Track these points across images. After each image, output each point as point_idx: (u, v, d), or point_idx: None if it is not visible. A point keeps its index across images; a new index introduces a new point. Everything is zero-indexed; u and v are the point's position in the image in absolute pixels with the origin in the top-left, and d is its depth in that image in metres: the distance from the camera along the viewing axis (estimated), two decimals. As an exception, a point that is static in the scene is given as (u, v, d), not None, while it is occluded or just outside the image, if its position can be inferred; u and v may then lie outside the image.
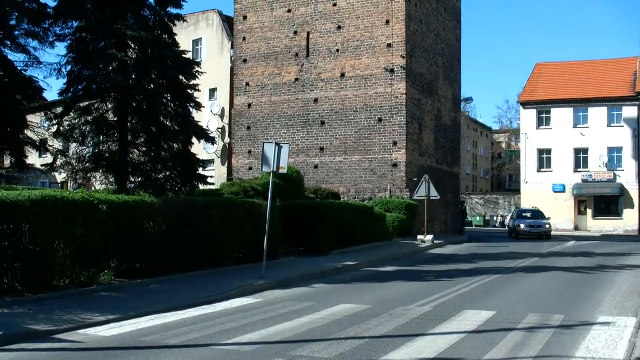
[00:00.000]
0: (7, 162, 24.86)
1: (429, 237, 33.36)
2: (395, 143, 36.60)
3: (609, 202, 62.49)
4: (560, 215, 61.83)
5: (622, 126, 61.96)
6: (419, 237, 33.71)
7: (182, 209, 20.88)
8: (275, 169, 21.20)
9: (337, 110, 37.91)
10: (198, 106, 27.01)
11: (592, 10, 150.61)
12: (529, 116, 65.94)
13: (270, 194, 21.20)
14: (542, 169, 64.74)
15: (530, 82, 68.47)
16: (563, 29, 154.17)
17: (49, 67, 24.05)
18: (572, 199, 63.41)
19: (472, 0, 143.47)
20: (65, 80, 24.78)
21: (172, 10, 26.48)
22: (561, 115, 63.88)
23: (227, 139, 45.77)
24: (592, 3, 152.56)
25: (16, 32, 23.24)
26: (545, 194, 63.39)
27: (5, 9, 22.85)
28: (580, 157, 63.61)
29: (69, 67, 24.76)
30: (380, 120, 36.93)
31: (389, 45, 36.89)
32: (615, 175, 62.18)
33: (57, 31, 24.32)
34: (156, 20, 26.24)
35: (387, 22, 36.98)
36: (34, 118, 25.75)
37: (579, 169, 63.29)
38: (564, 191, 63.50)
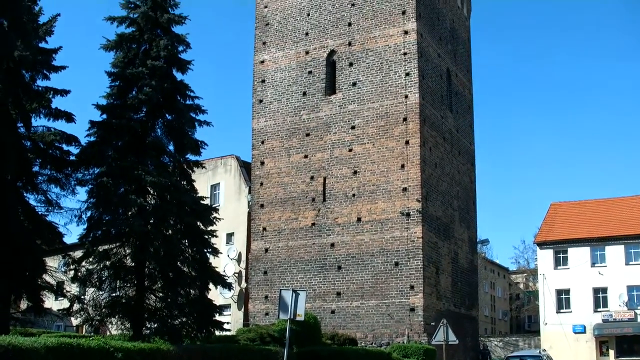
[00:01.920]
0: (23, 305, 24.82)
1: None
2: (412, 287, 36.30)
3: (631, 342, 60.99)
4: (582, 357, 60.39)
5: (641, 264, 61.46)
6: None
7: (198, 358, 20.53)
8: (292, 317, 21.03)
9: (354, 255, 37.86)
10: (215, 252, 27.11)
11: (605, 149, 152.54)
12: (546, 256, 65.49)
13: (287, 341, 20.90)
14: (561, 310, 63.69)
15: (546, 222, 68.43)
16: (578, 169, 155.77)
17: (69, 212, 24.46)
18: (594, 340, 61.97)
19: (485, 142, 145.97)
20: (85, 225, 25.11)
21: (191, 157, 27.08)
22: (578, 255, 63.43)
23: (244, 284, 45.55)
24: (603, 144, 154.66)
25: (39, 179, 23.78)
26: (566, 335, 62.08)
27: (29, 155, 23.47)
28: (600, 297, 62.67)
29: (89, 213, 25.13)
30: (397, 264, 36.78)
31: (405, 189, 37.22)
32: (636, 314, 61.02)
33: (78, 177, 24.87)
34: (175, 166, 26.79)
35: (403, 166, 37.46)
36: (52, 261, 25.91)
37: (599, 309, 62.23)
38: (584, 332, 62.16)
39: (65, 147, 24.75)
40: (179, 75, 27.31)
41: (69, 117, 24.60)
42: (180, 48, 27.42)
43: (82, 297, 25.90)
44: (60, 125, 23.95)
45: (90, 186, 25.32)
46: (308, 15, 41.54)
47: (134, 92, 26.32)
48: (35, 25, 24.48)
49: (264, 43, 42.54)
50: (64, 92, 24.58)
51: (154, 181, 25.09)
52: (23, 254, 21.89)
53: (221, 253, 31.53)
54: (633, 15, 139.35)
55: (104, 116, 26.06)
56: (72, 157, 24.86)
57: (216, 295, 36.91)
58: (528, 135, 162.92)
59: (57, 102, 24.35)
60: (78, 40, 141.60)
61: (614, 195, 72.38)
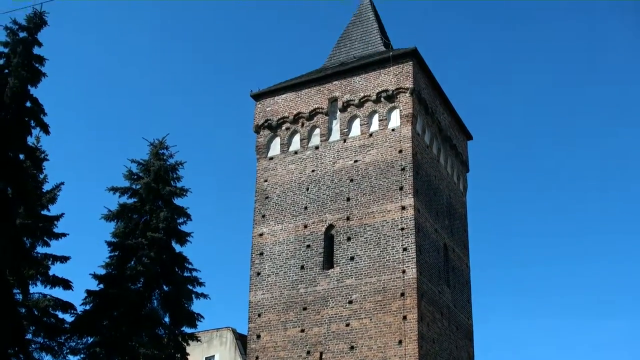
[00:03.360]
0: None
1: None
2: None
3: None
4: None
5: None
6: None
7: None
8: None
9: None
10: None
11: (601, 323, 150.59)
12: None
13: None
14: None
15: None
16: (575, 345, 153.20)
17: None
18: None
19: (483, 318, 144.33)
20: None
21: (187, 329, 26.86)
22: None
23: None
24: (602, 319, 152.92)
25: (31, 347, 23.44)
26: None
27: (23, 322, 23.24)
28: None
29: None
30: None
31: (403, 365, 36.50)
32: None
33: (71, 345, 24.55)
34: (170, 339, 26.51)
35: (400, 342, 36.91)
36: None
37: None
38: None
39: (60, 314, 24.63)
40: (178, 247, 27.63)
41: (66, 285, 24.68)
42: (180, 220, 27.87)
43: None
44: (57, 292, 23.91)
45: (82, 355, 24.98)
46: (307, 189, 42.28)
47: (132, 263, 26.46)
48: (39, 192, 24.98)
49: (263, 216, 43.03)
50: (63, 259, 24.79)
51: (148, 354, 24.80)
52: None
53: None
54: None
55: (101, 286, 26.10)
56: (66, 325, 24.65)
57: None
58: (524, 314, 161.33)
59: (56, 269, 24.44)
60: (80, 207, 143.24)
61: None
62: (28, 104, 26.08)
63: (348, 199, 41.08)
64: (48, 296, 24.00)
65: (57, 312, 24.34)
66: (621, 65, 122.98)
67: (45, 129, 26.58)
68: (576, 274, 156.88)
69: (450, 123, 47.34)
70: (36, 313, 23.85)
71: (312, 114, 43.62)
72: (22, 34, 28.51)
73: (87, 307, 25.67)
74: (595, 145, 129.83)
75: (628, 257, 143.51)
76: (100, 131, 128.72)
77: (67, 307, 24.50)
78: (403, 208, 39.51)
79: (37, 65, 28.17)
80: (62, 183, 26.40)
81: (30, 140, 26.33)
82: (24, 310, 23.69)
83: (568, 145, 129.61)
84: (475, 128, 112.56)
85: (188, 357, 27.21)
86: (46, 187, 25.67)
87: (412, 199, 39.46)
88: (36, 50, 28.82)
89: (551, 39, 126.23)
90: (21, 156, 24.48)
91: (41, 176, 25.37)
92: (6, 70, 25.54)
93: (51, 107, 31.14)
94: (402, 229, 39.10)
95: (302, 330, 39.55)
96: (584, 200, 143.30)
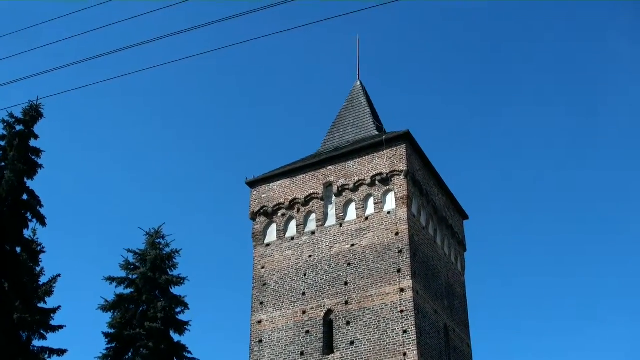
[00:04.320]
0: None
1: None
2: None
3: None
4: None
5: None
6: None
7: None
8: None
9: None
10: None
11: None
12: None
13: None
14: None
15: None
16: None
17: None
18: None
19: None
20: None
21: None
22: None
23: None
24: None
25: None
26: None
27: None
28: None
29: None
30: None
31: None
32: None
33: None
34: None
35: None
36: None
37: None
38: None
39: (58, 411, 24.23)
40: (176, 337, 27.39)
41: (64, 379, 24.30)
42: (178, 309, 27.71)
43: None
44: (54, 387, 23.54)
45: None
46: (305, 275, 42.19)
47: (130, 354, 26.19)
48: (35, 285, 24.90)
49: (261, 303, 42.80)
50: (60, 352, 24.57)
51: None
52: None
53: None
54: None
55: (100, 379, 25.78)
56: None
57: None
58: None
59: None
60: (77, 299, 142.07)
61: None
62: (25, 197, 26.25)
63: (346, 283, 40.95)
64: (45, 392, 23.67)
65: (55, 408, 23.97)
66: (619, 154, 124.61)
67: (41, 221, 26.70)
68: (584, 346, 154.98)
69: (445, 203, 47.59)
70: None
71: (308, 200, 43.86)
72: (18, 127, 28.96)
73: (86, 402, 25.26)
74: (595, 219, 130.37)
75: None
76: (96, 221, 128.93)
77: (63, 403, 24.13)
78: (402, 290, 39.36)
79: (33, 157, 28.54)
80: (59, 275, 26.40)
81: (27, 233, 26.54)
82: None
83: (566, 219, 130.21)
84: (471, 207, 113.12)
85: None
86: (42, 279, 25.61)
87: (411, 280, 39.35)
88: (32, 143, 29.27)
89: (541, 121, 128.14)
90: (18, 249, 24.49)
91: (37, 269, 25.32)
92: (2, 164, 25.79)
93: (46, 198, 31.43)
94: (402, 311, 38.87)
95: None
96: (583, 274, 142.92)
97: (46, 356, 23.93)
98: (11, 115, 28.23)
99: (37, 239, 28.10)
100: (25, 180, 25.95)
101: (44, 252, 26.88)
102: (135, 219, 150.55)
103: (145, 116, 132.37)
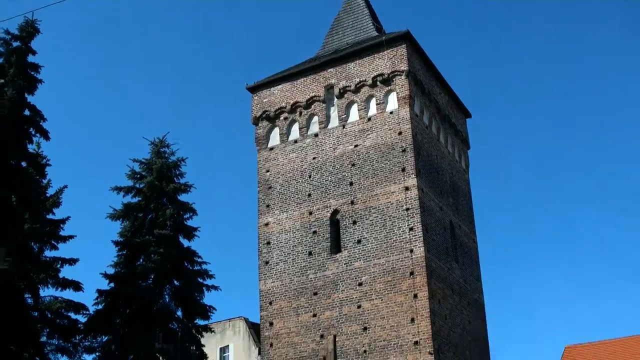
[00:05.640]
0: None
1: None
2: None
3: None
4: None
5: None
6: None
7: None
8: None
9: (369, 413, 36.98)
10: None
11: (618, 286, 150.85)
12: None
13: None
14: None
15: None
16: (589, 309, 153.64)
17: (77, 382, 24.37)
18: None
19: (493, 291, 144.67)
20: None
21: (200, 321, 27.26)
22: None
23: None
24: (615, 281, 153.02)
25: (47, 349, 23.82)
26: None
27: (37, 325, 23.62)
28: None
29: (97, 382, 25.07)
30: (413, 420, 35.89)
31: (416, 343, 36.82)
32: None
33: (86, 345, 24.92)
34: (184, 332, 26.88)
35: (413, 320, 37.25)
36: None
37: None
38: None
39: (73, 315, 25.00)
40: (185, 242, 28.00)
41: (76, 286, 24.99)
42: (187, 215, 28.23)
43: None
44: (68, 294, 24.29)
45: (98, 354, 25.40)
46: (310, 177, 42.59)
47: (141, 260, 26.83)
48: (43, 197, 25.30)
49: (268, 206, 43.37)
50: (72, 261, 25.09)
51: (163, 348, 25.21)
52: None
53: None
54: None
55: (112, 284, 26.49)
56: (80, 326, 25.03)
57: None
58: (534, 280, 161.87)
59: (65, 271, 24.85)
60: (85, 210, 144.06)
61: (631, 334, 70.84)
62: (27, 112, 26.44)
63: (351, 184, 41.38)
64: (60, 298, 24.37)
65: (69, 314, 24.75)
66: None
67: (45, 135, 26.94)
68: (582, 238, 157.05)
69: (447, 102, 47.55)
70: (49, 316, 24.25)
71: (309, 103, 43.88)
72: (15, 44, 28.89)
73: (99, 307, 26.07)
74: (597, 113, 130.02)
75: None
76: (100, 133, 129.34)
77: (79, 308, 24.89)
78: (407, 189, 39.79)
79: (32, 73, 28.57)
80: (66, 186, 26.79)
81: (31, 147, 26.78)
82: (36, 314, 24.08)
83: (569, 114, 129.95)
84: (474, 105, 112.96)
85: (203, 348, 27.57)
86: (50, 191, 26.04)
87: (415, 179, 39.74)
88: (31, 59, 29.22)
89: (544, 17, 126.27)
90: (23, 164, 24.83)
91: (44, 181, 25.72)
92: (2, 81, 25.89)
93: (50, 112, 31.54)
94: (407, 209, 39.40)
95: (314, 315, 39.95)
96: (583, 174, 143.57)
97: (58, 266, 24.60)
98: (7, 32, 28.21)
99: (42, 152, 28.50)
100: (26, 95, 26.10)
101: (49, 165, 27.26)
102: (139, 129, 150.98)
103: (145, 24, 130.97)
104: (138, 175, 28.53)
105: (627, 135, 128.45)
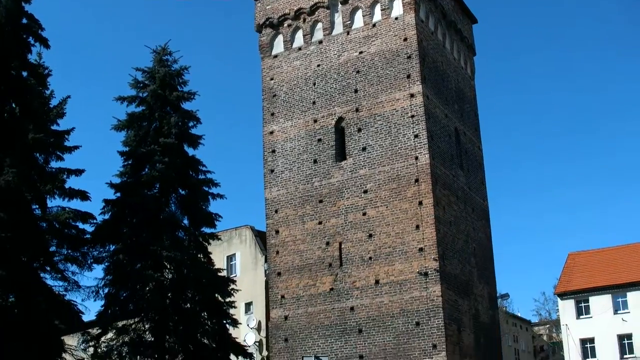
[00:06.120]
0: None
1: None
2: (435, 346, 35.96)
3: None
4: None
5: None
6: None
7: None
8: (315, 383, 21.04)
9: (374, 317, 37.64)
10: (235, 323, 27.24)
11: (620, 193, 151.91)
12: (567, 307, 65.16)
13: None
14: (587, 359, 62.94)
15: (565, 273, 68.12)
16: (592, 217, 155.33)
17: (87, 290, 24.73)
18: (621, 387, 61.17)
19: (498, 198, 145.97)
20: (103, 302, 25.35)
21: (206, 229, 27.44)
22: (600, 303, 63.07)
23: (265, 353, 45.40)
24: (616, 188, 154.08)
25: (56, 258, 24.07)
26: (594, 384, 61.43)
27: (46, 236, 23.81)
28: (625, 344, 61.79)
29: (106, 290, 25.42)
30: (418, 324, 36.51)
31: (421, 249, 37.22)
32: (662, 358, 60.28)
33: (94, 254, 25.18)
34: (191, 240, 27.08)
35: (417, 227, 37.52)
36: (71, 340, 26.02)
37: (625, 356, 61.40)
38: (613, 380, 61.41)
39: (80, 225, 25.17)
40: (190, 151, 27.94)
41: (83, 196, 25.02)
42: (191, 124, 28.08)
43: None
44: (75, 204, 24.39)
45: (106, 263, 25.67)
46: (314, 84, 42.24)
47: (146, 170, 26.83)
48: (46, 108, 25.08)
49: (272, 114, 43.19)
50: (78, 172, 25.05)
51: (170, 256, 25.45)
52: (42, 335, 22.08)
53: (240, 323, 31.66)
54: None
55: (118, 194, 26.58)
56: (88, 235, 25.22)
57: (238, 365, 36.71)
58: (538, 186, 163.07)
59: (72, 182, 24.88)
60: (89, 121, 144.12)
61: (631, 241, 71.87)
62: (24, 21, 25.91)
63: (356, 91, 41.05)
64: (67, 209, 24.44)
65: (77, 224, 24.90)
66: None
67: (45, 43, 26.42)
68: (586, 145, 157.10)
69: (453, 8, 46.65)
70: (57, 226, 24.38)
71: (313, 9, 43.10)
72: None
73: (107, 216, 26.20)
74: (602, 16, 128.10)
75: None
76: (101, 43, 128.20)
77: (86, 217, 25.02)
78: (412, 96, 39.47)
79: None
80: (69, 97, 26.49)
81: (32, 58, 26.35)
82: (44, 224, 24.23)
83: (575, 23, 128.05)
84: (480, 11, 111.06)
85: (210, 256, 27.84)
86: (53, 102, 25.79)
87: (420, 86, 39.37)
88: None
89: None
90: (24, 73, 24.45)
91: (47, 92, 25.47)
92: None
93: (49, 22, 30.92)
94: (412, 116, 39.19)
95: (320, 223, 40.23)
96: (590, 75, 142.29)
97: (64, 176, 24.60)
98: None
99: (44, 62, 28.05)
100: (23, 5, 25.48)
101: (50, 74, 26.85)
102: (140, 38, 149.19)
103: None
104: (141, 84, 28.21)
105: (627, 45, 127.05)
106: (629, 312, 61.04)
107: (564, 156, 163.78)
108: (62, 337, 23.71)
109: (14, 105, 23.54)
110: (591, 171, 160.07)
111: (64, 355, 23.78)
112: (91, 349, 25.64)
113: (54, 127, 25.47)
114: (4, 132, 22.92)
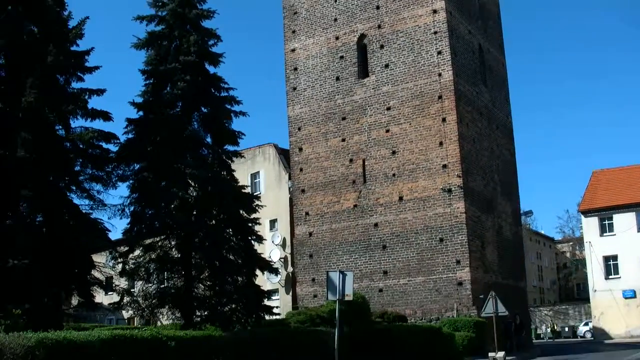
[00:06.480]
0: (74, 301, 25.35)
1: (501, 354, 32.45)
2: (458, 262, 36.31)
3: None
4: (634, 321, 60.12)
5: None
6: (490, 354, 32.87)
7: (250, 342, 20.86)
8: (341, 297, 21.29)
9: (398, 234, 37.94)
10: (260, 239, 27.44)
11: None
12: (591, 224, 65.09)
13: (338, 321, 21.15)
14: (609, 276, 63.29)
15: (589, 190, 67.88)
16: (617, 135, 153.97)
17: (112, 208, 24.93)
18: (644, 304, 61.52)
19: (522, 115, 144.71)
20: (129, 220, 25.64)
21: (229, 147, 27.45)
22: (624, 221, 62.87)
23: (290, 269, 46.03)
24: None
25: (81, 178, 24.22)
26: (616, 301, 61.75)
27: (70, 156, 23.93)
28: (648, 261, 61.96)
29: (132, 208, 25.65)
30: (441, 240, 36.79)
31: (445, 166, 37.19)
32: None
33: (119, 173, 25.32)
34: (215, 158, 27.14)
35: (441, 143, 37.41)
36: (99, 257, 26.43)
37: (647, 273, 61.62)
38: (635, 297, 61.64)
39: (104, 145, 25.21)
40: (211, 69, 27.72)
41: (105, 116, 24.96)
42: (211, 42, 27.78)
43: (132, 290, 26.44)
44: (98, 124, 24.39)
45: (131, 182, 25.84)
46: (335, 1, 41.63)
47: (168, 88, 26.75)
48: (65, 29, 24.84)
49: (294, 32, 42.77)
50: (99, 92, 24.91)
51: (194, 174, 25.56)
52: (70, 252, 22.42)
53: (265, 240, 31.95)
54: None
55: (141, 113, 26.60)
56: (112, 155, 25.33)
57: (263, 281, 37.24)
58: (563, 104, 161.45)
59: (94, 102, 24.82)
60: (109, 41, 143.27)
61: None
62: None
63: (378, 7, 40.40)
64: (90, 129, 24.45)
65: (101, 143, 24.95)
66: None
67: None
68: (610, 61, 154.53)
69: None
70: (81, 146, 24.44)
71: None
72: None
73: (130, 136, 26.23)
74: None
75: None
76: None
77: (110, 137, 25.01)
78: (434, 12, 38.81)
79: None
80: (87, 17, 26.22)
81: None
82: (69, 144, 24.32)
83: None
84: None
85: (234, 174, 27.95)
86: (71, 23, 25.55)
87: (443, 1, 38.62)
88: None
89: None
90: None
91: (65, 13, 25.24)
92: None
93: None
94: (435, 32, 38.62)
95: (343, 140, 40.21)
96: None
97: (86, 97, 24.57)
98: None
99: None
100: None
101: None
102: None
103: None
104: (160, 3, 27.82)
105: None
106: (652, 230, 60.96)
107: (591, 72, 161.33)
108: (91, 255, 24.07)
109: (33, 27, 23.44)
110: (618, 88, 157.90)
111: (92, 272, 24.17)
112: (119, 266, 26.03)
113: (74, 48, 25.36)
114: (24, 54, 22.82)
